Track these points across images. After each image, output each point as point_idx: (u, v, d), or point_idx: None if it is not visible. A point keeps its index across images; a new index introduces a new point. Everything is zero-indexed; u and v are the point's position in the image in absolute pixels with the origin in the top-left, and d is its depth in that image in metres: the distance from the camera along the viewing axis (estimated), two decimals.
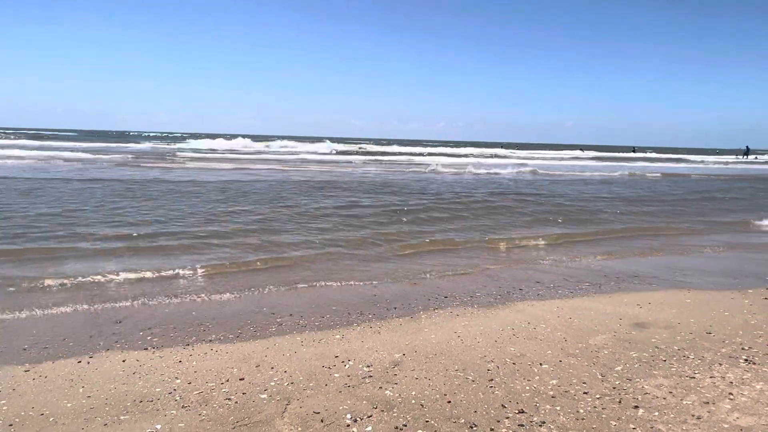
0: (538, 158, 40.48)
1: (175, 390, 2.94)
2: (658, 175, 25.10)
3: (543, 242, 7.92)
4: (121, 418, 2.64)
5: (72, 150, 29.07)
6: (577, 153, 53.53)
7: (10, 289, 5.00)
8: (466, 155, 41.60)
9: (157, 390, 2.94)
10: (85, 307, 4.49)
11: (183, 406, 2.75)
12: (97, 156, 25.03)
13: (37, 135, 58.68)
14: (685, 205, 13.03)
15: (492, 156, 41.66)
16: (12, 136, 48.73)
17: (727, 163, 43.63)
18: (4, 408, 2.73)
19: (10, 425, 2.56)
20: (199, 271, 5.87)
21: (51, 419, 2.62)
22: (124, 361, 3.35)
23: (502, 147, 63.41)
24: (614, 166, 30.98)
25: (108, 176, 15.55)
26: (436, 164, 25.17)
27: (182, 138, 64.84)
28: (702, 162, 43.51)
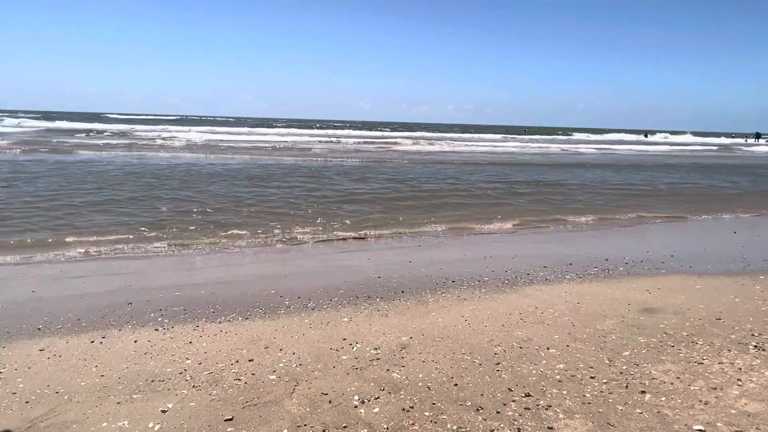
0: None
1: (185, 370, 2.99)
2: None
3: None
4: (134, 396, 2.69)
5: None
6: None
7: (23, 270, 5.09)
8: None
9: (169, 370, 2.99)
10: (97, 288, 4.56)
11: (194, 386, 2.80)
12: None
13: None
14: None
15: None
16: None
17: None
18: (20, 386, 2.79)
19: (27, 402, 2.62)
20: (207, 253, 5.92)
21: (66, 397, 2.68)
22: (135, 341, 3.41)
23: (507, 131, 62.45)
24: None
25: None
26: None
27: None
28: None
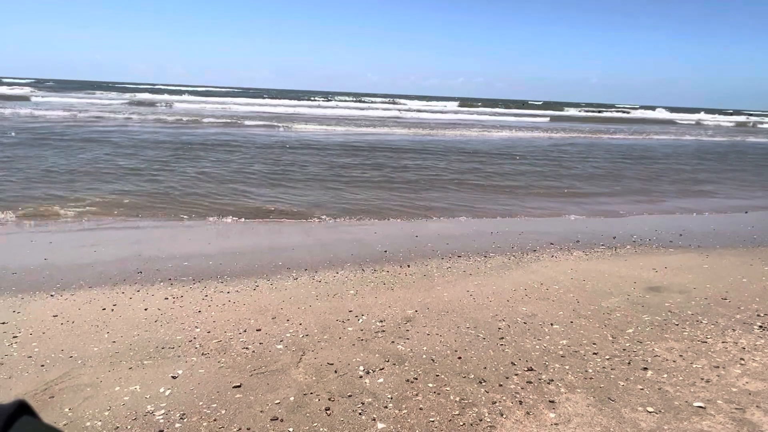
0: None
1: (195, 338, 3.06)
2: None
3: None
4: (145, 362, 2.76)
5: None
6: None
7: (34, 240, 5.16)
8: None
9: (178, 338, 3.06)
10: (108, 257, 4.62)
11: (203, 354, 2.87)
12: None
13: None
14: None
15: None
16: None
17: None
18: (36, 350, 2.88)
19: (42, 366, 2.71)
20: (217, 223, 5.96)
21: (79, 361, 2.76)
22: (146, 309, 3.48)
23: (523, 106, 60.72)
24: None
25: None
26: None
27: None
28: None
